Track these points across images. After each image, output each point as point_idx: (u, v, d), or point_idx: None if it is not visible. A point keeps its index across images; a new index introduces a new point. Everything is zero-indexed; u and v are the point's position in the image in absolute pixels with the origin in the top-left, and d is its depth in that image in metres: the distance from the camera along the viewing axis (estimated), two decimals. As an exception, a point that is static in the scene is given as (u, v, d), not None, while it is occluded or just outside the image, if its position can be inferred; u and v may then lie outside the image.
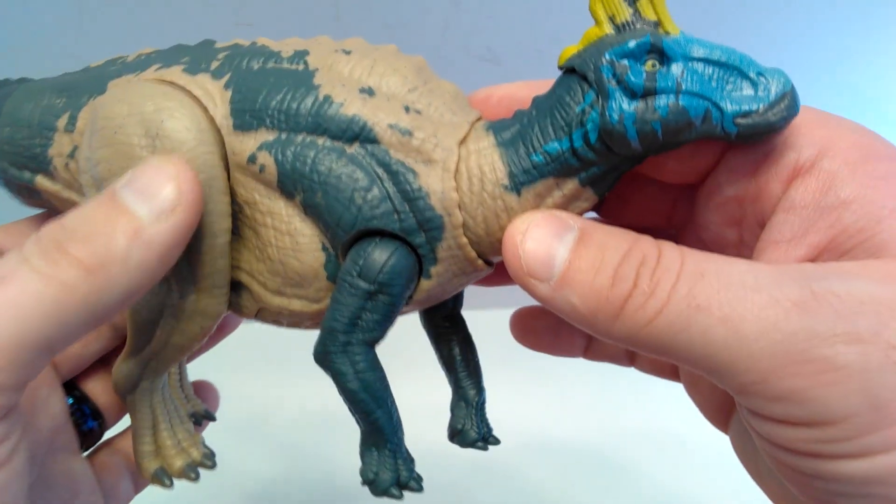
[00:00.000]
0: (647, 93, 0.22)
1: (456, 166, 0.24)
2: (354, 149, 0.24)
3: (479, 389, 0.31)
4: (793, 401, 0.19)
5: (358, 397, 0.25)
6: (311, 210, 0.25)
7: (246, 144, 0.25)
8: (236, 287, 0.27)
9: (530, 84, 0.27)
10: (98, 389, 0.33)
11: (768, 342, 0.19)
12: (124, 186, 0.23)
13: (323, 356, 0.25)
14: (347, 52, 0.26)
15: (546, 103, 0.24)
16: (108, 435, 0.34)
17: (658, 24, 0.23)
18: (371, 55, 0.26)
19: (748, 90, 0.22)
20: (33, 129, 0.28)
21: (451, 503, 0.51)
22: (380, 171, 0.24)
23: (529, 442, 0.56)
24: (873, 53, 0.64)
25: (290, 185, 0.25)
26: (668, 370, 0.33)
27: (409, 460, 0.27)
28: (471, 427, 0.30)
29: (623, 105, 0.22)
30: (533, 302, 0.25)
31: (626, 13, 0.23)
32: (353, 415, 0.26)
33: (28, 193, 0.30)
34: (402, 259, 0.24)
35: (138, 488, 0.34)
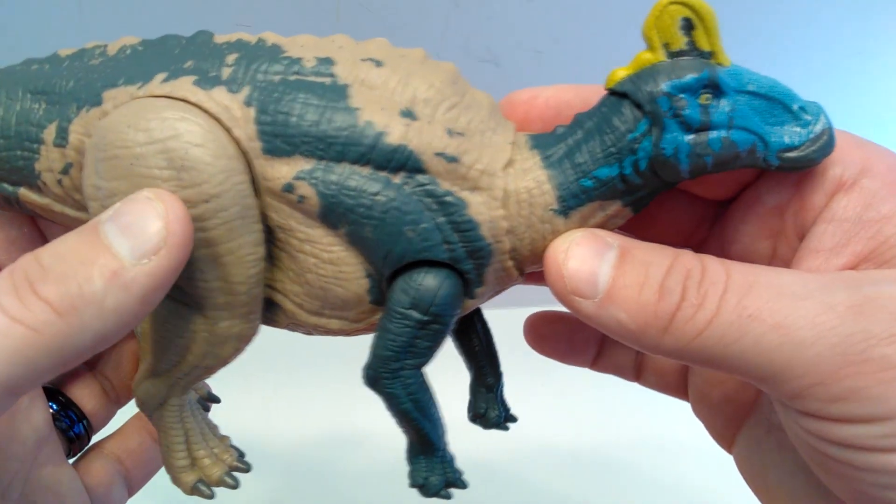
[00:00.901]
0: (702, 127, 0.22)
1: (503, 192, 0.24)
2: (401, 178, 0.23)
3: (498, 375, 0.33)
4: (852, 400, 0.20)
5: (410, 416, 0.26)
6: (356, 241, 0.24)
7: (279, 171, 0.24)
8: (268, 304, 0.26)
9: (577, 88, 0.27)
10: (83, 394, 0.33)
11: (825, 346, 0.20)
12: (108, 221, 0.21)
13: (374, 381, 0.26)
14: (378, 63, 0.24)
15: (594, 125, 0.24)
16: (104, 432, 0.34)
17: (712, 54, 0.23)
18: (402, 66, 0.25)
19: (791, 124, 0.23)
20: (11, 140, 0.26)
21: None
22: (428, 201, 0.24)
23: (530, 445, 0.56)
24: (873, 54, 0.64)
25: (335, 218, 0.24)
26: (674, 387, 0.33)
27: (453, 462, 0.28)
28: (492, 410, 0.32)
29: (678, 138, 0.23)
30: (546, 306, 0.25)
31: (681, 42, 0.23)
32: (402, 427, 0.27)
33: (5, 202, 0.28)
34: (452, 287, 0.25)
35: (132, 491, 0.34)
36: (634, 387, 0.35)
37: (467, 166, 0.24)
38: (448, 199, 0.24)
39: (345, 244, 0.24)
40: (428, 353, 0.26)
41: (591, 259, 0.22)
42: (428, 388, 0.27)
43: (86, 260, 0.20)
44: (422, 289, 0.24)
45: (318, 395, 0.59)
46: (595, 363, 0.35)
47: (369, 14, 0.57)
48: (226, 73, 0.24)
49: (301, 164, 0.23)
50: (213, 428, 0.31)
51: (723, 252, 0.26)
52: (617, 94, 0.24)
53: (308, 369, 0.61)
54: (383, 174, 0.23)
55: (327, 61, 0.24)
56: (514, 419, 0.33)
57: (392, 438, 0.29)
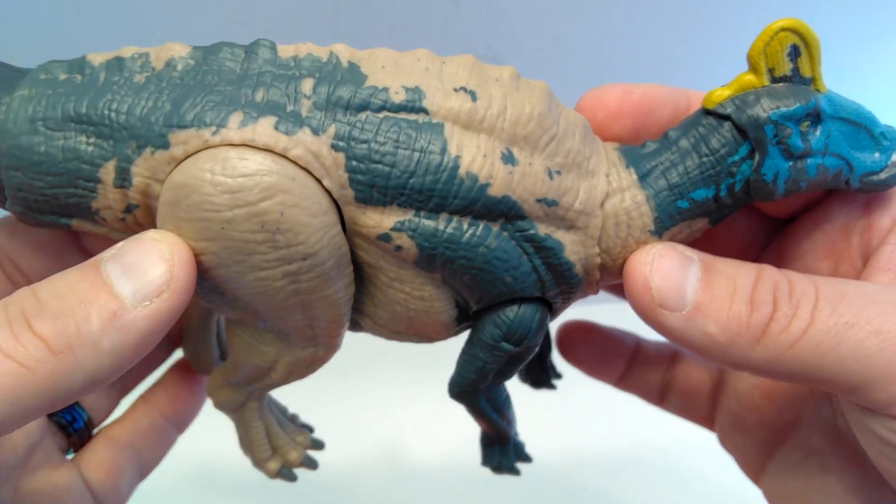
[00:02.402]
0: (802, 154, 0.23)
1: (601, 226, 0.24)
2: (500, 224, 0.23)
3: (549, 344, 0.36)
4: None
5: (491, 420, 0.29)
6: (451, 283, 0.24)
7: (373, 220, 0.22)
8: (351, 321, 0.26)
9: (671, 89, 0.26)
10: None
11: None
12: (111, 259, 0.21)
13: (460, 396, 0.27)
14: (472, 95, 0.22)
15: (691, 145, 0.24)
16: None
17: (812, 80, 0.23)
18: (497, 96, 0.23)
19: (873, 150, 0.24)
20: (60, 178, 0.23)
21: None
22: (527, 245, 0.24)
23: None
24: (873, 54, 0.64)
25: (432, 265, 0.23)
26: (701, 413, 0.33)
27: (522, 444, 0.32)
28: (541, 373, 0.36)
29: (779, 164, 0.23)
30: (575, 313, 0.26)
31: (786, 68, 0.23)
32: (479, 424, 0.30)
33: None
34: (543, 319, 0.25)
35: (145, 473, 0.33)
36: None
37: (566, 208, 0.23)
38: (547, 243, 0.23)
39: (437, 283, 0.24)
40: (513, 373, 0.27)
41: (676, 272, 0.22)
42: (506, 393, 0.29)
43: (85, 298, 0.20)
44: (514, 324, 0.25)
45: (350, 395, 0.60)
46: (621, 381, 0.35)
47: (369, 12, 0.57)
48: (304, 106, 0.22)
49: (398, 215, 0.22)
50: (284, 412, 0.33)
51: (780, 268, 0.27)
52: (716, 114, 0.23)
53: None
54: (483, 222, 0.23)
55: (416, 93, 0.22)
56: (558, 376, 0.36)
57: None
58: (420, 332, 0.26)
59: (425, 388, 0.54)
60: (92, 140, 0.22)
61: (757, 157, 0.23)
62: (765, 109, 0.22)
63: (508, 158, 0.22)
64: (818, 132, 0.23)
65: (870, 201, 0.24)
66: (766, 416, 0.29)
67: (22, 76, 0.24)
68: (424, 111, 0.22)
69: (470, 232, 0.23)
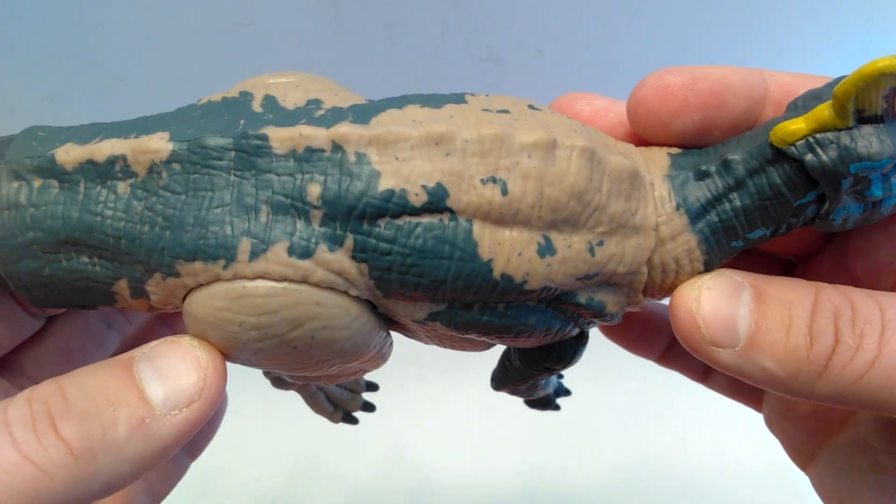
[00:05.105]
0: (881, 200, 0.21)
1: (647, 280, 0.22)
2: (537, 299, 0.22)
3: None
4: None
5: (533, 396, 0.32)
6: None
7: (406, 310, 0.21)
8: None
9: (744, 71, 0.23)
10: None
11: None
12: (144, 360, 0.20)
13: (498, 390, 0.31)
14: (501, 186, 0.20)
15: (755, 187, 0.21)
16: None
17: None
18: (531, 177, 0.20)
19: None
20: (76, 292, 0.22)
21: None
22: (567, 309, 0.22)
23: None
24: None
25: (470, 335, 0.23)
26: (748, 394, 0.32)
27: (559, 383, 0.35)
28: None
29: (851, 209, 0.21)
30: None
31: (878, 108, 0.19)
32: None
33: None
34: (582, 348, 0.26)
35: (157, 501, 0.32)
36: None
37: (608, 274, 0.22)
38: (590, 306, 0.22)
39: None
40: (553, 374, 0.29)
41: (726, 304, 0.20)
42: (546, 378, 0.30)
43: (115, 400, 0.19)
44: (554, 357, 0.26)
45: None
46: (663, 358, 0.33)
47: (369, 12, 0.57)
48: (315, 218, 0.20)
49: (431, 308, 0.21)
50: None
51: (843, 265, 0.25)
52: (786, 155, 0.21)
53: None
54: (521, 305, 0.22)
55: (438, 192, 0.19)
56: (566, 393, 0.36)
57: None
58: (455, 350, 0.27)
59: (437, 396, 0.54)
60: (95, 261, 0.21)
61: (827, 204, 0.21)
62: (844, 162, 0.20)
63: (546, 249, 0.20)
64: None
65: None
66: (819, 406, 0.28)
67: None
68: (450, 210, 0.20)
69: (507, 315, 0.21)
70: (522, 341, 0.23)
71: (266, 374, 0.30)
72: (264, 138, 0.20)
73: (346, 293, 0.20)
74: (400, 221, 0.20)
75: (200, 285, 0.20)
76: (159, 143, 0.20)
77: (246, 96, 0.22)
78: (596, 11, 0.58)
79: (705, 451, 0.56)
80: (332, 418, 0.36)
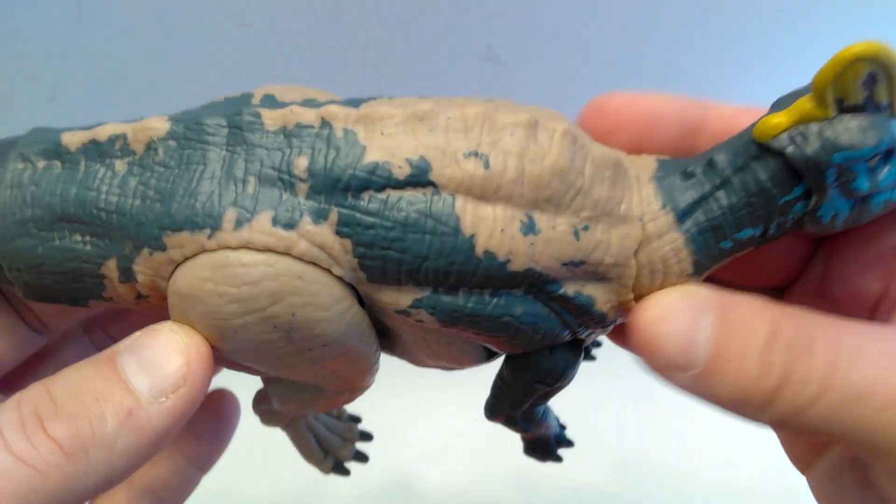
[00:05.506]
0: (869, 194, 0.21)
1: (636, 274, 0.22)
2: (525, 289, 0.21)
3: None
4: None
5: (531, 432, 0.29)
6: (479, 342, 0.23)
7: (390, 297, 0.21)
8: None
9: (675, 100, 0.24)
10: None
11: None
12: (127, 352, 0.20)
13: (493, 419, 0.28)
14: (484, 162, 0.20)
15: (740, 183, 0.21)
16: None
17: (889, 105, 0.20)
18: (513, 153, 0.20)
19: None
20: (66, 276, 0.22)
21: None
22: (555, 304, 0.22)
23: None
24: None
25: (456, 330, 0.22)
26: None
27: (562, 432, 0.33)
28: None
29: (839, 205, 0.21)
30: None
31: (859, 97, 0.19)
32: (521, 435, 0.31)
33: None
34: (577, 357, 0.24)
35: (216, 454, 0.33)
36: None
37: (595, 264, 0.21)
38: (577, 300, 0.22)
39: (463, 339, 0.23)
40: (550, 398, 0.27)
41: (685, 328, 0.20)
42: (544, 408, 0.29)
43: (100, 396, 0.19)
44: (547, 369, 0.24)
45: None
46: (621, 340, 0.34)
47: (369, 12, 0.57)
48: (301, 191, 0.20)
49: (415, 293, 0.21)
50: (332, 416, 0.35)
51: (823, 288, 0.25)
52: (769, 149, 0.21)
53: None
54: (507, 292, 0.21)
55: (422, 165, 0.20)
56: (568, 444, 0.34)
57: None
58: (448, 366, 0.26)
59: (438, 412, 0.54)
60: (87, 239, 0.21)
61: (814, 199, 0.21)
62: (827, 151, 0.20)
63: (529, 227, 0.21)
64: (888, 167, 0.20)
65: None
66: None
67: (2, 152, 0.22)
68: (432, 184, 0.20)
69: (493, 303, 0.21)
70: (511, 342, 0.22)
71: (255, 406, 0.30)
72: (257, 115, 0.21)
73: (328, 271, 0.20)
74: (383, 195, 0.20)
75: (186, 259, 0.20)
76: (158, 122, 0.21)
77: (247, 95, 0.23)
78: (596, 11, 0.58)
79: (703, 452, 0.56)
80: (322, 467, 0.34)
